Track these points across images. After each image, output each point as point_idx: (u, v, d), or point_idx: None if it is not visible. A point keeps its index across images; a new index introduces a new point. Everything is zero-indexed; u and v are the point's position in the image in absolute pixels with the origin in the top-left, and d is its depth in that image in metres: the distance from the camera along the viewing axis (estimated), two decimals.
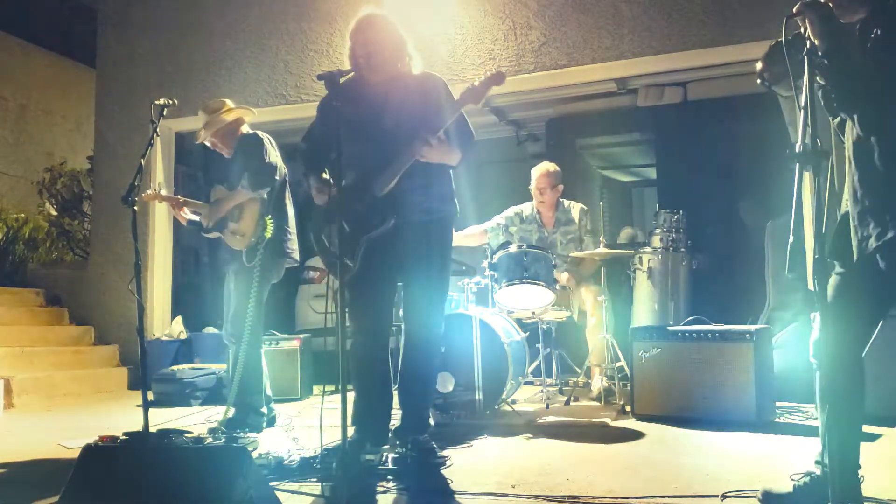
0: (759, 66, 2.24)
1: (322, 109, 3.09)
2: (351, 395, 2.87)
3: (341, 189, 2.63)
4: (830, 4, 1.98)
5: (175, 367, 5.47)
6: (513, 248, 4.32)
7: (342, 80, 2.70)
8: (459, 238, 4.91)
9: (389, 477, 2.69)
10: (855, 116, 2.01)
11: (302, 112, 6.26)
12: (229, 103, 4.05)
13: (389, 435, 3.08)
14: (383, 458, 2.85)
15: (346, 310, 2.96)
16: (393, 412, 3.17)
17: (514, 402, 4.31)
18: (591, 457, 3.09)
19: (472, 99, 2.78)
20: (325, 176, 2.96)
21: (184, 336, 6.32)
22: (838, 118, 2.13)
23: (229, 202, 3.87)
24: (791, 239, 1.81)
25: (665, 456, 3.10)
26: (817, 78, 1.98)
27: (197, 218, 4.07)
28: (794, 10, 1.97)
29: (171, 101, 3.23)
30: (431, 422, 3.16)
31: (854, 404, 2.12)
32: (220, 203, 3.91)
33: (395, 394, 3.17)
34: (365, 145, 2.92)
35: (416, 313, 3.02)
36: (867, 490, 2.20)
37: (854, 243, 2.03)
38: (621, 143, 8.35)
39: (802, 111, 1.84)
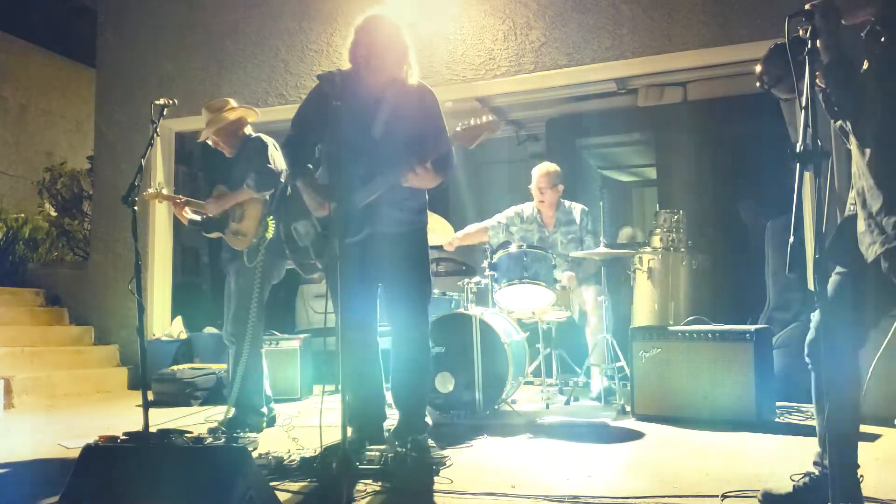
0: (758, 68, 2.23)
1: (310, 105, 3.13)
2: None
3: (341, 184, 2.66)
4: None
5: (175, 367, 5.47)
6: (513, 248, 4.32)
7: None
8: (461, 236, 4.91)
9: (389, 476, 2.69)
10: (856, 124, 2.01)
11: None
12: (232, 102, 4.06)
13: (387, 435, 3.08)
14: (383, 458, 2.85)
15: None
16: (392, 413, 3.17)
17: (514, 402, 4.31)
18: (591, 457, 3.09)
19: (464, 142, 2.84)
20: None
21: (184, 336, 6.33)
22: (839, 122, 2.13)
23: (234, 198, 3.87)
24: (791, 239, 1.81)
25: (665, 456, 3.10)
26: (818, 81, 1.97)
27: (198, 218, 4.06)
28: (806, 8, 1.94)
29: (171, 101, 3.23)
30: (429, 421, 3.16)
31: (850, 404, 2.12)
32: (225, 195, 3.90)
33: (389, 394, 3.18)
34: (351, 151, 2.92)
35: (397, 316, 3.04)
36: (868, 490, 2.20)
37: (863, 248, 2.04)
38: (621, 143, 8.36)
39: (803, 111, 1.84)
